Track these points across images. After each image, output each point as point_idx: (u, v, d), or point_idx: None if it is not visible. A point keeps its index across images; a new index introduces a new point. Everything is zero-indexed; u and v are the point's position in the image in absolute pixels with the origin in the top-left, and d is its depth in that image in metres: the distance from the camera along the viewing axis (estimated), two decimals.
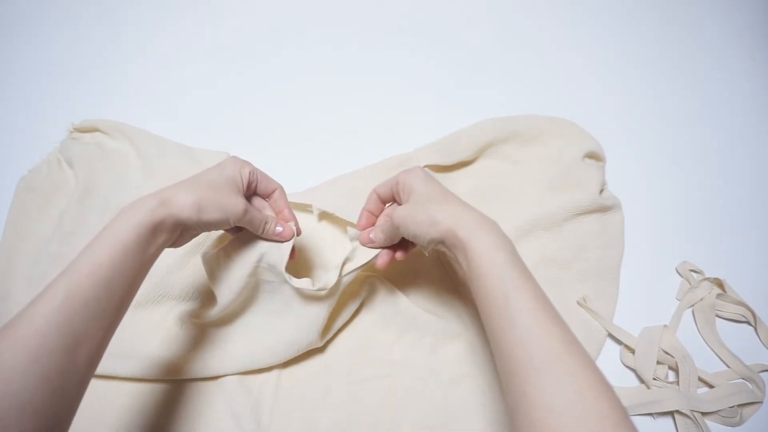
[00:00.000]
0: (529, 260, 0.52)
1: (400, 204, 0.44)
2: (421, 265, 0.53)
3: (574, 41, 0.70)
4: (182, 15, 0.72)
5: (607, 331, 0.50)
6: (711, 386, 0.47)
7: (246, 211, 0.41)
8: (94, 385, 0.40)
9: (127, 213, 0.36)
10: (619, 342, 0.50)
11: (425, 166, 0.56)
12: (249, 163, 0.43)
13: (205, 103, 0.65)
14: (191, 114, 0.64)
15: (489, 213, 0.54)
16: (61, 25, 0.71)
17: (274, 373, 0.48)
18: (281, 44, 0.70)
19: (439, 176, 0.57)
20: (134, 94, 0.66)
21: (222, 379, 0.48)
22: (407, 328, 0.50)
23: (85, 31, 0.71)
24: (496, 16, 0.72)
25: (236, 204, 0.40)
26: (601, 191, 0.56)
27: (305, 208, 0.53)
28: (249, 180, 0.43)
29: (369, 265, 0.47)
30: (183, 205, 0.37)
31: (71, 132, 0.59)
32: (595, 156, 0.57)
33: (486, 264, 0.36)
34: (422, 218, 0.40)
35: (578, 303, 0.51)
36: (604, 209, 0.54)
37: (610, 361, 0.50)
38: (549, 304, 0.35)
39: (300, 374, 0.49)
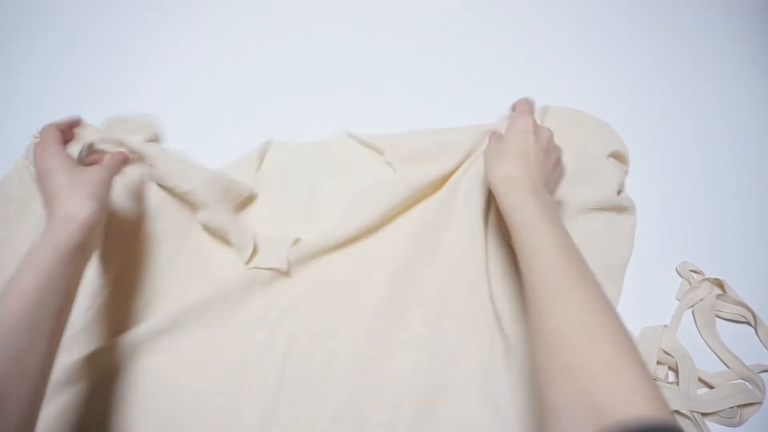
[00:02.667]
0: None
1: None
2: (428, 243, 0.53)
3: (576, 41, 0.70)
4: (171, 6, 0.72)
5: None
6: (711, 387, 0.47)
7: (104, 167, 0.46)
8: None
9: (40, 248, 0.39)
10: None
11: None
12: (43, 143, 0.45)
13: (189, 97, 0.65)
14: (175, 111, 0.63)
15: None
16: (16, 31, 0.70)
17: (281, 352, 0.48)
18: (280, 40, 0.69)
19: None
20: (102, 95, 0.65)
21: (225, 362, 0.48)
22: (410, 305, 0.50)
23: (44, 37, 0.70)
24: (513, 13, 0.72)
25: (96, 172, 0.45)
26: (619, 192, 0.56)
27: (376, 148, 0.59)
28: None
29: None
30: (88, 214, 0.41)
31: (36, 138, 0.58)
32: (619, 157, 0.58)
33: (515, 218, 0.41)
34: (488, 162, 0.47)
35: None
36: (618, 209, 0.55)
37: None
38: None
39: (307, 356, 0.48)
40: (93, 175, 0.44)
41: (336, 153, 0.59)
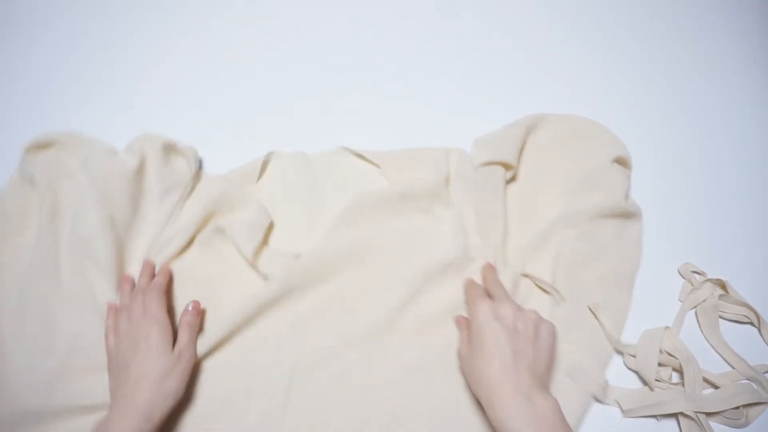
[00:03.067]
0: (549, 257, 0.53)
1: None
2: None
3: (575, 42, 0.70)
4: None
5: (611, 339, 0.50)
6: (716, 387, 0.47)
7: (188, 346, 0.44)
8: None
9: None
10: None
11: (480, 165, 0.56)
12: (160, 313, 0.44)
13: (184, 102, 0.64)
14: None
15: (518, 214, 0.55)
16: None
17: (287, 369, 0.48)
18: (280, 47, 0.69)
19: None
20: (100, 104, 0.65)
21: (230, 379, 0.48)
22: (420, 329, 0.50)
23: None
24: (512, 16, 0.72)
25: (187, 362, 0.44)
26: (626, 198, 0.56)
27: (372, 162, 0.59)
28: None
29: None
30: (168, 414, 0.41)
31: (27, 151, 0.57)
32: (623, 162, 0.58)
33: None
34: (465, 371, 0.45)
35: (588, 307, 0.51)
36: (626, 215, 0.55)
37: (613, 362, 0.49)
38: None
39: (314, 373, 0.48)
40: (183, 369, 0.42)
41: (334, 168, 0.59)
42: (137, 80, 0.66)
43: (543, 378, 0.42)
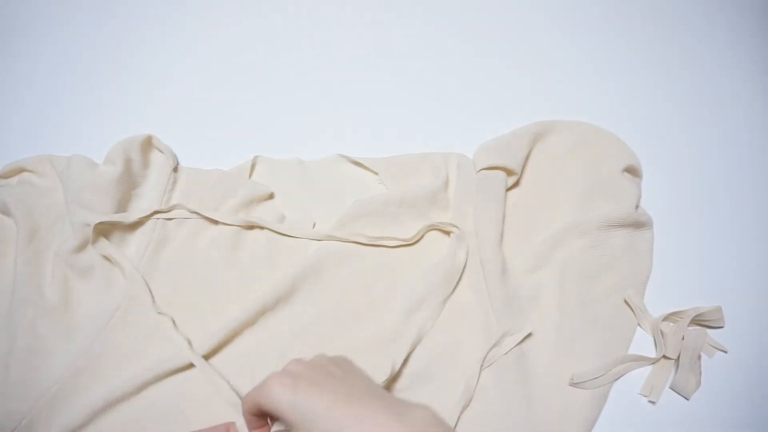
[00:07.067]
0: (558, 266, 0.52)
1: None
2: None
3: (575, 48, 0.69)
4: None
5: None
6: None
7: None
8: None
9: None
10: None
11: (481, 169, 0.56)
12: None
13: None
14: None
15: (526, 222, 0.55)
16: None
17: None
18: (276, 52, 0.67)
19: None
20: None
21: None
22: (424, 337, 0.50)
23: None
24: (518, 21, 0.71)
25: None
26: (636, 207, 0.56)
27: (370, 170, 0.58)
28: None
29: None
30: None
31: None
32: (633, 171, 0.58)
33: None
34: None
35: (625, 300, 0.52)
36: (637, 225, 0.54)
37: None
38: None
39: None
40: None
41: (330, 175, 0.58)
42: (125, 85, 0.65)
43: None
